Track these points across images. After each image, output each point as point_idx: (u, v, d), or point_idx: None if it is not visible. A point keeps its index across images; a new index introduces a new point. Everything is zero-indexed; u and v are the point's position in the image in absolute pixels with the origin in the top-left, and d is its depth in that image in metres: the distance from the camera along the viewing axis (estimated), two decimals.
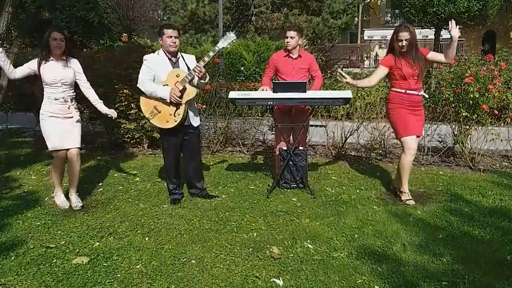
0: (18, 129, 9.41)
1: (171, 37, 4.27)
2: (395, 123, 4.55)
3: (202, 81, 4.40)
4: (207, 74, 4.44)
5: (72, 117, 4.40)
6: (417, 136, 4.53)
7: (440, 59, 4.53)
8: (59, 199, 4.49)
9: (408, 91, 4.43)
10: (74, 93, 4.45)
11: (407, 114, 4.46)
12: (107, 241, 3.62)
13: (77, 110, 4.49)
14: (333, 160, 6.42)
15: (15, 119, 9.42)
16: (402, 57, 4.42)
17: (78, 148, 4.44)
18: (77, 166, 4.48)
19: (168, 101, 4.23)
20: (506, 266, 3.14)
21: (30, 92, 7.87)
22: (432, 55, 4.53)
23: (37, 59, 4.31)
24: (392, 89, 4.55)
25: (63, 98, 4.33)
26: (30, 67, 4.30)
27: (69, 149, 4.39)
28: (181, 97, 4.24)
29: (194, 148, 4.61)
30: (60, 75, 4.29)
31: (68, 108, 4.36)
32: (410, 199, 4.51)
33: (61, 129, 4.33)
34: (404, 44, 4.37)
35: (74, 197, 4.50)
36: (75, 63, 4.42)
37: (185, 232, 3.79)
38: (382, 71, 4.54)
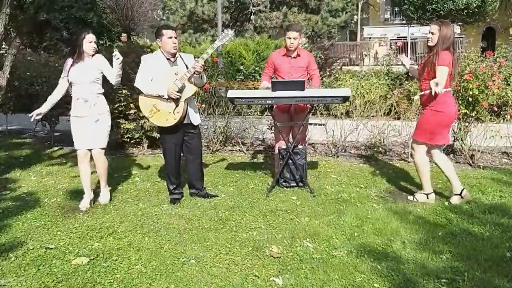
0: (18, 130, 9.41)
1: (171, 37, 4.26)
2: None
3: (197, 76, 4.31)
4: (203, 73, 4.41)
5: (91, 116, 4.37)
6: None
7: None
8: (82, 201, 4.48)
9: None
10: (98, 92, 4.40)
11: None
12: (107, 241, 3.62)
13: (103, 108, 4.45)
14: (333, 158, 6.41)
15: (15, 120, 9.42)
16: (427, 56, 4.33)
17: (100, 148, 4.46)
18: (101, 166, 4.52)
19: (166, 96, 4.22)
20: (505, 262, 3.14)
21: (29, 93, 7.89)
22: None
23: (69, 62, 4.35)
24: None
25: (82, 97, 4.34)
26: (64, 74, 4.38)
27: (91, 149, 4.44)
28: (180, 93, 4.24)
29: (195, 149, 4.61)
30: (81, 73, 4.31)
31: (89, 107, 4.35)
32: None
33: (81, 130, 4.36)
34: (429, 37, 4.19)
35: (101, 191, 4.60)
36: (98, 58, 4.41)
37: (185, 231, 3.79)
38: None
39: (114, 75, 4.36)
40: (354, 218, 4.01)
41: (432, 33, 4.14)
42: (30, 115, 4.42)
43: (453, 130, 6.15)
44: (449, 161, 4.57)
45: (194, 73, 4.24)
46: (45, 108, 4.42)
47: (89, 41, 4.32)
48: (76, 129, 4.38)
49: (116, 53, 4.27)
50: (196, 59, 4.31)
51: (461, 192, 4.40)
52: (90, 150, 4.45)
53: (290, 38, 4.86)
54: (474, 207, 4.25)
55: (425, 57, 4.40)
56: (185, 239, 3.64)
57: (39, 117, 4.49)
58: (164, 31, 4.28)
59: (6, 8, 5.30)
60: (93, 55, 4.38)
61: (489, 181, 5.08)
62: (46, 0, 9.10)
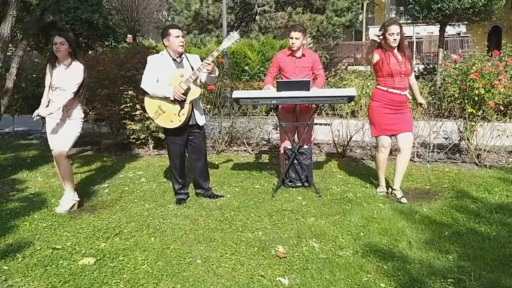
0: (25, 132, 9.47)
1: (178, 36, 4.29)
2: (371, 120, 4.63)
3: (212, 75, 4.37)
4: (216, 68, 4.43)
5: (62, 119, 4.37)
6: (392, 135, 4.60)
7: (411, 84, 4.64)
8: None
9: (390, 90, 4.44)
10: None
11: (384, 114, 4.50)
12: (113, 241, 3.64)
13: (73, 112, 4.40)
14: (338, 158, 6.41)
15: (22, 122, 9.48)
16: (391, 53, 4.41)
17: (61, 150, 4.36)
18: (60, 168, 4.41)
19: (172, 98, 4.24)
20: None
21: (36, 95, 7.93)
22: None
23: (48, 65, 4.41)
24: (377, 86, 4.56)
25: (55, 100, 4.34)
26: (47, 78, 4.41)
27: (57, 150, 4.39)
28: (185, 95, 4.26)
29: (199, 149, 4.62)
30: (57, 79, 4.33)
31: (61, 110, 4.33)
32: (383, 192, 4.72)
33: (52, 130, 4.39)
34: (396, 38, 4.34)
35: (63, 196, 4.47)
36: (73, 68, 4.33)
37: (191, 231, 3.80)
38: (376, 56, 4.43)
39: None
40: (360, 218, 4.00)
41: (398, 34, 4.34)
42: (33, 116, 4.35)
43: (459, 130, 6.14)
44: None
45: (198, 76, 4.28)
46: (44, 110, 4.34)
47: (54, 43, 4.28)
48: (49, 128, 4.42)
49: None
50: (205, 59, 4.30)
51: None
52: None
53: (292, 38, 4.88)
54: (480, 206, 4.23)
55: (389, 57, 4.40)
56: (191, 239, 3.65)
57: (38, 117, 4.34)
58: (171, 30, 4.30)
59: (13, 10, 5.34)
60: (69, 56, 4.33)
61: (496, 181, 5.05)
62: (52, 2, 9.14)
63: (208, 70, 4.25)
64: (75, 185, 4.66)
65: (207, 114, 6.63)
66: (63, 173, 4.43)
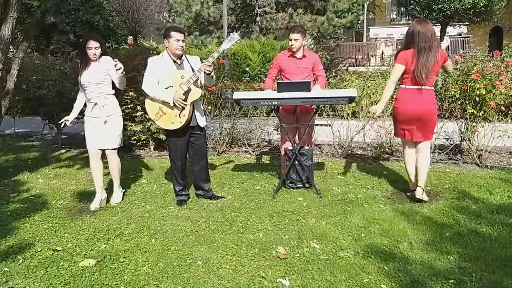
0: (26, 133, 9.48)
1: (178, 40, 4.29)
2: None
3: (208, 76, 4.36)
4: (213, 72, 4.42)
5: (100, 117, 4.45)
6: None
7: None
8: (93, 201, 4.56)
9: None
10: (107, 93, 4.47)
11: None
12: (114, 243, 3.64)
13: (112, 109, 4.54)
14: (339, 159, 6.40)
15: (23, 123, 9.48)
16: None
17: (112, 148, 4.57)
18: (113, 166, 4.68)
19: (172, 104, 4.24)
20: None
21: (37, 97, 7.93)
22: None
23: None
24: (433, 88, 4.37)
25: (92, 98, 4.44)
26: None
27: (103, 149, 4.55)
28: (185, 100, 4.26)
29: (201, 150, 4.62)
30: (89, 76, 4.41)
31: (98, 108, 4.44)
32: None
33: (93, 130, 4.47)
34: None
35: (114, 192, 4.73)
36: (106, 61, 4.45)
37: (191, 233, 3.79)
38: None
39: (116, 81, 4.45)
40: (361, 219, 4.00)
41: None
42: (60, 122, 4.64)
43: (460, 130, 6.13)
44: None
45: (205, 73, 4.28)
46: (72, 115, 4.60)
47: (89, 48, 4.39)
48: (88, 129, 4.50)
49: (116, 62, 4.24)
50: (206, 60, 4.32)
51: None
52: (102, 150, 4.56)
53: (291, 40, 4.89)
54: (482, 207, 4.22)
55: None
56: (191, 240, 3.65)
57: (68, 123, 4.60)
58: (172, 33, 4.30)
59: (14, 12, 5.34)
60: (100, 57, 4.45)
61: (497, 181, 5.04)
62: (52, 4, 9.17)
63: (208, 71, 4.26)
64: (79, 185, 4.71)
65: (207, 115, 6.63)
66: (117, 169, 4.69)
